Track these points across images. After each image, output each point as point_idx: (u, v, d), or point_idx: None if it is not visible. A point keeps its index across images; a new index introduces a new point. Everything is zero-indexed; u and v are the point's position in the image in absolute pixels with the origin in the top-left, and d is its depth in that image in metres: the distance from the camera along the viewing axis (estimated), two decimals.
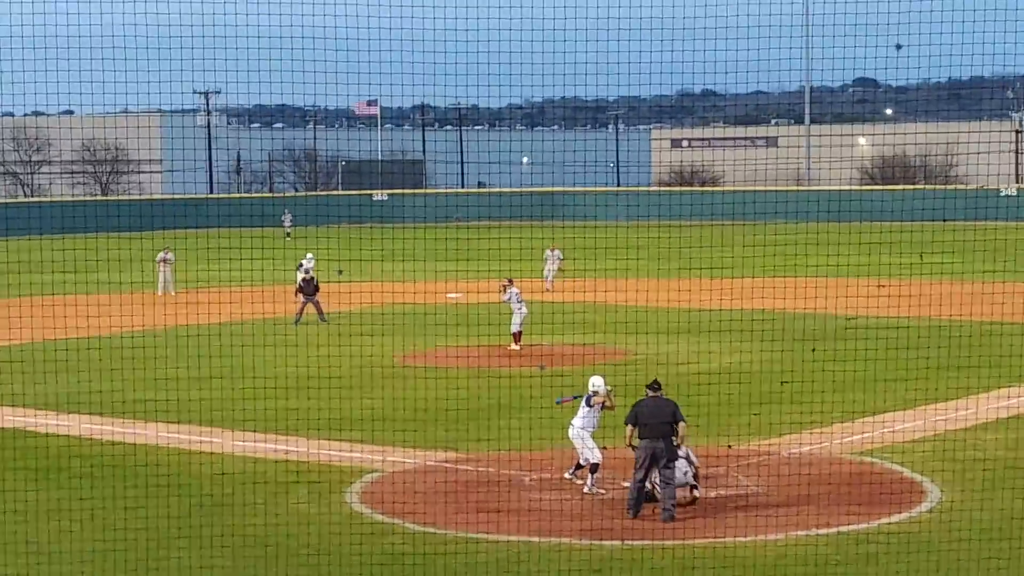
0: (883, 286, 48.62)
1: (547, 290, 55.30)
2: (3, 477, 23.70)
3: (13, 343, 38.07)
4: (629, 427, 21.22)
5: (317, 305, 45.76)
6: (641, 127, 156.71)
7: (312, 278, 46.28)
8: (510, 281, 40.09)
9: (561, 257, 57.94)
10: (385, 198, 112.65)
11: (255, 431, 27.19)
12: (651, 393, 21.38)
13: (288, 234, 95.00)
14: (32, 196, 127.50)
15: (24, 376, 31.67)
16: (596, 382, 22.80)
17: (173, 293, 56.30)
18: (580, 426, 22.61)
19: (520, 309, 39.42)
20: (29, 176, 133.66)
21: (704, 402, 27.40)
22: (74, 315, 37.71)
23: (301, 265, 51.63)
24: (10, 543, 19.48)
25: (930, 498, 22.01)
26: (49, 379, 30.22)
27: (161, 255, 57.68)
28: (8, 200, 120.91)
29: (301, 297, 46.11)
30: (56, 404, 29.74)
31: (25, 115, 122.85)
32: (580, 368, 34.00)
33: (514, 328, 39.38)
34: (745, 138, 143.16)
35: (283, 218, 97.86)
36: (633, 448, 21.13)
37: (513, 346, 39.04)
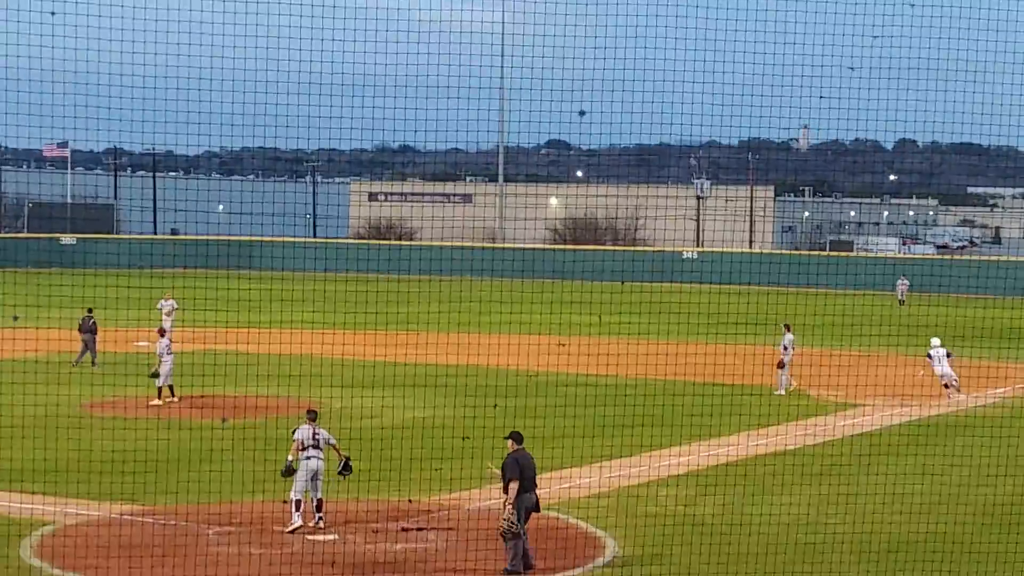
0: (563, 344, 50.01)
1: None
2: None
3: None
4: (516, 482, 21.20)
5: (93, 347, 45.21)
6: (339, 179, 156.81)
7: (91, 319, 45.35)
8: (161, 332, 40.08)
9: None
10: (73, 242, 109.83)
11: None
12: (518, 446, 21.62)
13: None
14: None
15: None
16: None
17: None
18: None
19: (165, 359, 38.71)
20: None
21: (387, 455, 27.82)
22: None
23: None
24: None
25: (608, 552, 22.72)
26: None
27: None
28: None
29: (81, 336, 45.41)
30: None
31: None
32: (257, 420, 34.11)
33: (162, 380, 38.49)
34: (441, 194, 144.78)
35: None
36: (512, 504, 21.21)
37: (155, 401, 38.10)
